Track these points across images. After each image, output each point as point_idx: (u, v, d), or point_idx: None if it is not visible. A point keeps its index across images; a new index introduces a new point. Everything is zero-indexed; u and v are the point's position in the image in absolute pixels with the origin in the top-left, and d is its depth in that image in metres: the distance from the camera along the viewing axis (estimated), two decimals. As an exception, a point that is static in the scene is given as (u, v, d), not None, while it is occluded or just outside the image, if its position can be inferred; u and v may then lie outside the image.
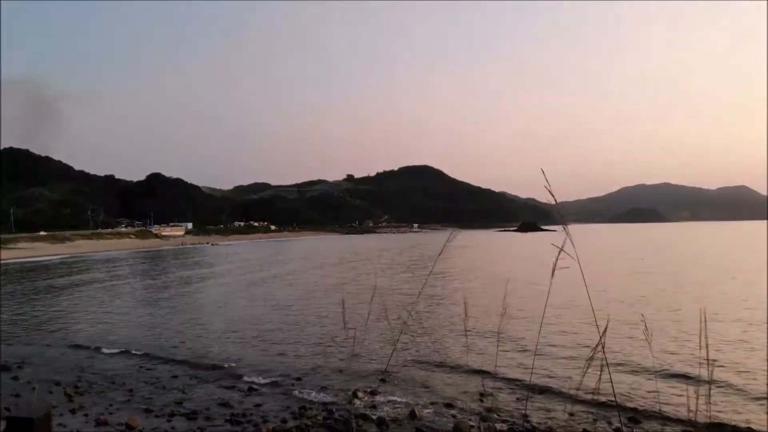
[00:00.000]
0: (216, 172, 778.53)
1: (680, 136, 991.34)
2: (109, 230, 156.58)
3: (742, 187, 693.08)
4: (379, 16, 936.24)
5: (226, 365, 16.40)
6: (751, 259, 59.30)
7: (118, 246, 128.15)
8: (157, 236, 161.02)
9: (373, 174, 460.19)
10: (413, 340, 19.54)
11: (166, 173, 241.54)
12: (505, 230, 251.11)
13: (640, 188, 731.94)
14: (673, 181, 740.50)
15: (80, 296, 37.77)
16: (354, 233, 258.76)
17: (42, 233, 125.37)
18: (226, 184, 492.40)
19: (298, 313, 26.43)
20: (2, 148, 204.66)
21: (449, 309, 26.44)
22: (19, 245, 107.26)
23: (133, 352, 18.89)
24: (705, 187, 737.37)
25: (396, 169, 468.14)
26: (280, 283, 43.85)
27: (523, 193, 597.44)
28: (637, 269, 48.77)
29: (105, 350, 19.28)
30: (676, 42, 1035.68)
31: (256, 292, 37.70)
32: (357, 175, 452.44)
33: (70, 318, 27.70)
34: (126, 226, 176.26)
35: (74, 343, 20.74)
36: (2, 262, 79.10)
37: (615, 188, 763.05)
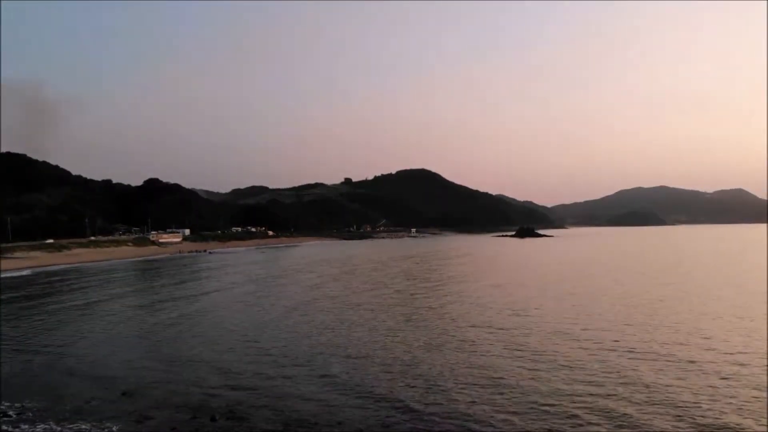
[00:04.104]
0: (214, 175, 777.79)
1: (677, 139, 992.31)
2: (107, 238, 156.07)
3: (740, 190, 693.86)
4: (376, 18, 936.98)
5: None
6: None
7: (116, 254, 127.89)
8: (154, 243, 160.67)
9: (370, 177, 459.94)
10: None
11: (164, 177, 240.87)
12: (502, 235, 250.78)
13: (638, 191, 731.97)
14: (671, 184, 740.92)
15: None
16: (352, 239, 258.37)
17: (39, 242, 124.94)
18: (223, 187, 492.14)
19: None
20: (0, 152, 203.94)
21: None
22: (16, 254, 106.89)
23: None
24: (702, 190, 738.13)
25: (393, 172, 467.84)
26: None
27: (520, 197, 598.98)
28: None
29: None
30: (673, 44, 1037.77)
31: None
32: (354, 179, 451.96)
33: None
34: (123, 233, 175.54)
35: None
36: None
37: (612, 191, 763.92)
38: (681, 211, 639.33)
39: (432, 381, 20.39)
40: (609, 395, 18.47)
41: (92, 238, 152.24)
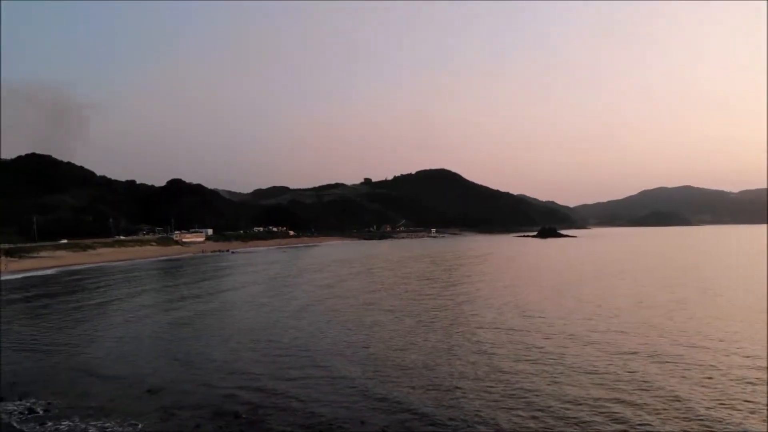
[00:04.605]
0: (235, 175, 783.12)
1: (701, 138, 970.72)
2: (131, 237, 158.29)
3: (766, 190, 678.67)
4: (396, 17, 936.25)
5: None
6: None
7: (139, 254, 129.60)
8: (177, 243, 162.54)
9: (390, 178, 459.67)
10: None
11: (187, 178, 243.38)
12: (524, 235, 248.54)
13: (661, 191, 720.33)
14: (695, 184, 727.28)
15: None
16: (372, 239, 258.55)
17: (63, 241, 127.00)
18: (245, 187, 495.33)
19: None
20: (24, 153, 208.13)
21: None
22: (42, 254, 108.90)
23: None
24: (727, 189, 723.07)
25: (413, 172, 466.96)
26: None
27: (542, 197, 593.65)
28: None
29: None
30: (697, 42, 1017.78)
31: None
32: (374, 179, 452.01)
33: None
34: (147, 233, 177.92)
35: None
36: (21, 274, 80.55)
37: (635, 191, 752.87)
38: (705, 211, 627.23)
39: (449, 385, 20.11)
40: (627, 402, 18.08)
41: (120, 237, 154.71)
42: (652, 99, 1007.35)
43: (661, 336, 27.71)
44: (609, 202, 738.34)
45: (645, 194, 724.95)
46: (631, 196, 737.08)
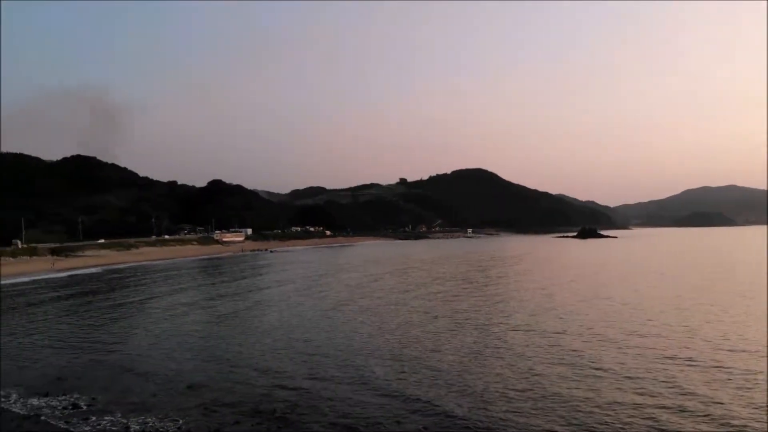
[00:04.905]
0: (274, 176, 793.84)
1: (747, 136, 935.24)
2: (173, 237, 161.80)
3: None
4: (434, 16, 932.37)
5: None
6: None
7: (181, 253, 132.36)
8: (218, 242, 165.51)
9: (425, 177, 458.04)
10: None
11: (227, 179, 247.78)
12: (563, 236, 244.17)
13: (705, 191, 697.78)
14: (740, 183, 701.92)
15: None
16: (407, 239, 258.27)
17: (101, 241, 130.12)
18: (283, 188, 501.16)
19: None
20: (70, 155, 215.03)
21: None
22: (87, 253, 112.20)
23: None
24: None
25: (449, 172, 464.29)
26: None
27: (581, 196, 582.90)
28: None
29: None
30: (744, 38, 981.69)
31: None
32: (410, 179, 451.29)
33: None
34: (188, 232, 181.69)
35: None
36: (68, 272, 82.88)
37: (678, 191, 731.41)
38: (751, 211, 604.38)
39: (484, 387, 19.45)
40: (665, 407, 17.17)
41: (166, 237, 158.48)
42: (695, 97, 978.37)
43: (703, 341, 26.45)
44: (650, 202, 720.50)
45: (688, 194, 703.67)
46: (673, 196, 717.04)
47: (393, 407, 17.57)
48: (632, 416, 16.36)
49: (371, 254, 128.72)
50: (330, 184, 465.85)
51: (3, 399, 19.14)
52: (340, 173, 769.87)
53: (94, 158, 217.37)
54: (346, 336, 29.41)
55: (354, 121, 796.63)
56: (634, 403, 17.45)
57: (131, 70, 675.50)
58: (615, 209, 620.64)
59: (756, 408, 16.87)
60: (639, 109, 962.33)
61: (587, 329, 29.75)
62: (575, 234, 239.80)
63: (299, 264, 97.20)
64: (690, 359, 22.82)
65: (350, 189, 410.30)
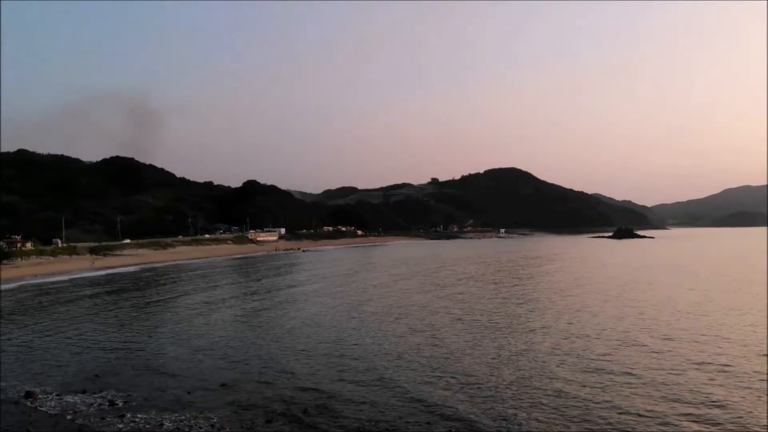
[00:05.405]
0: (307, 177, 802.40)
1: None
2: (209, 236, 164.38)
3: None
4: (464, 15, 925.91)
5: None
6: None
7: (217, 252, 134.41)
8: (252, 242, 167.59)
9: (457, 177, 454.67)
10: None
11: (261, 180, 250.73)
12: (599, 236, 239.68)
13: (746, 190, 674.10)
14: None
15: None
16: (439, 239, 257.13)
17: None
18: (316, 188, 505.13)
19: None
20: (109, 156, 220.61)
21: None
22: (125, 252, 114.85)
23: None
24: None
25: (482, 171, 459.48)
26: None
27: (618, 195, 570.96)
28: None
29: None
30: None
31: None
32: (441, 179, 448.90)
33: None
34: (224, 232, 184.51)
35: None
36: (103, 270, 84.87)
37: (718, 190, 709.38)
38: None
39: (511, 393, 18.98)
40: (695, 416, 16.51)
41: (204, 236, 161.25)
42: (733, 94, 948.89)
43: (736, 346, 25.42)
44: (689, 202, 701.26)
45: (728, 193, 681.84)
46: (713, 195, 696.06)
47: (420, 411, 17.41)
48: (663, 426, 15.82)
49: (401, 254, 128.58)
50: (362, 184, 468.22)
51: (41, 396, 19.61)
52: (372, 173, 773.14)
53: (132, 159, 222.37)
54: (374, 337, 29.26)
55: (385, 120, 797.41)
56: (665, 413, 16.87)
57: (169, 72, 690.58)
58: (652, 209, 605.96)
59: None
60: (675, 108, 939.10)
61: (620, 332, 29.02)
62: (611, 234, 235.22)
63: (330, 263, 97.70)
64: (724, 366, 22.00)
65: (381, 189, 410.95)
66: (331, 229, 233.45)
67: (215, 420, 16.66)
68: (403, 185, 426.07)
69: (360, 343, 27.62)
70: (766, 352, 23.75)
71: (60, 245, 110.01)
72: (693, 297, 42.94)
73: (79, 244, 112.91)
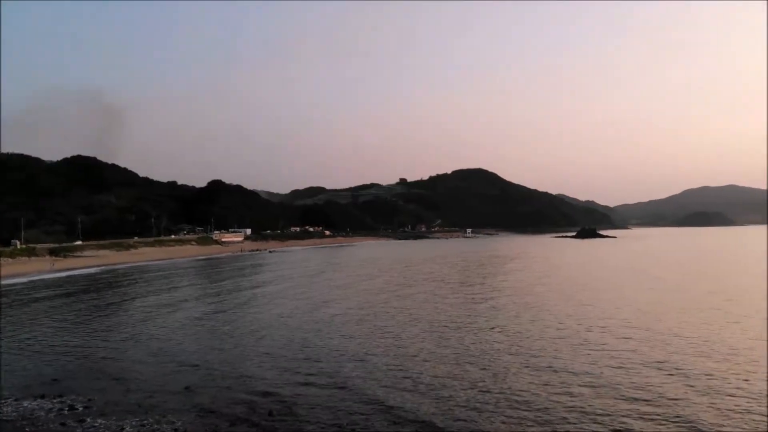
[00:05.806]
0: (274, 176, 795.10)
1: (747, 135, 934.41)
2: (172, 237, 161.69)
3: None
4: (432, 18, 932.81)
5: None
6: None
7: (180, 253, 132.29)
8: (217, 242, 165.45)
9: (426, 177, 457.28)
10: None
11: (227, 179, 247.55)
12: (562, 236, 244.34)
13: (705, 190, 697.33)
14: (741, 183, 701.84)
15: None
16: (407, 239, 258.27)
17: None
18: (283, 188, 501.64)
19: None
20: (70, 156, 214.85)
21: None
22: (86, 253, 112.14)
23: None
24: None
25: (449, 172, 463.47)
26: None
27: (582, 196, 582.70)
28: None
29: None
30: (742, 37, 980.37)
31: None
32: (410, 179, 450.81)
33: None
34: (188, 232, 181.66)
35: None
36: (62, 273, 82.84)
37: (678, 190, 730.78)
38: (753, 211, 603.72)
39: (473, 398, 19.28)
40: (640, 413, 17.23)
41: (166, 236, 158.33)
42: (695, 96, 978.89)
43: (692, 345, 26.48)
44: (650, 202, 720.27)
45: (688, 193, 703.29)
46: (673, 196, 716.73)
47: (384, 413, 17.53)
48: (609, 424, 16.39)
49: (368, 254, 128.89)
50: (330, 185, 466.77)
51: (-1, 401, 19.13)
52: (340, 173, 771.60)
53: (94, 158, 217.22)
54: (338, 339, 29.29)
55: (354, 121, 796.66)
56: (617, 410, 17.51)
57: (131, 70, 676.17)
58: (615, 209, 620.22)
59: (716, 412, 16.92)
60: (639, 109, 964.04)
61: (580, 331, 29.81)
62: (574, 234, 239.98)
63: (296, 264, 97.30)
64: (676, 367, 22.87)
65: (350, 189, 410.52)
66: (298, 229, 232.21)
67: (178, 424, 16.53)
68: (372, 185, 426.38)
69: (324, 345, 27.62)
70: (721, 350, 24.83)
71: (19, 246, 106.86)
72: (652, 296, 44.32)
73: (39, 246, 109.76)
